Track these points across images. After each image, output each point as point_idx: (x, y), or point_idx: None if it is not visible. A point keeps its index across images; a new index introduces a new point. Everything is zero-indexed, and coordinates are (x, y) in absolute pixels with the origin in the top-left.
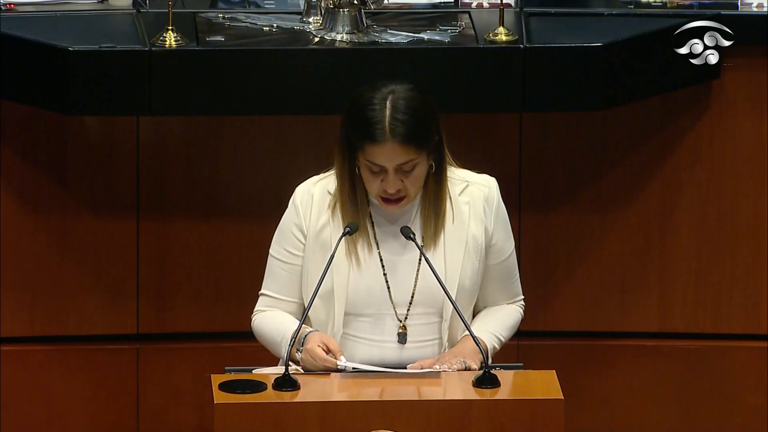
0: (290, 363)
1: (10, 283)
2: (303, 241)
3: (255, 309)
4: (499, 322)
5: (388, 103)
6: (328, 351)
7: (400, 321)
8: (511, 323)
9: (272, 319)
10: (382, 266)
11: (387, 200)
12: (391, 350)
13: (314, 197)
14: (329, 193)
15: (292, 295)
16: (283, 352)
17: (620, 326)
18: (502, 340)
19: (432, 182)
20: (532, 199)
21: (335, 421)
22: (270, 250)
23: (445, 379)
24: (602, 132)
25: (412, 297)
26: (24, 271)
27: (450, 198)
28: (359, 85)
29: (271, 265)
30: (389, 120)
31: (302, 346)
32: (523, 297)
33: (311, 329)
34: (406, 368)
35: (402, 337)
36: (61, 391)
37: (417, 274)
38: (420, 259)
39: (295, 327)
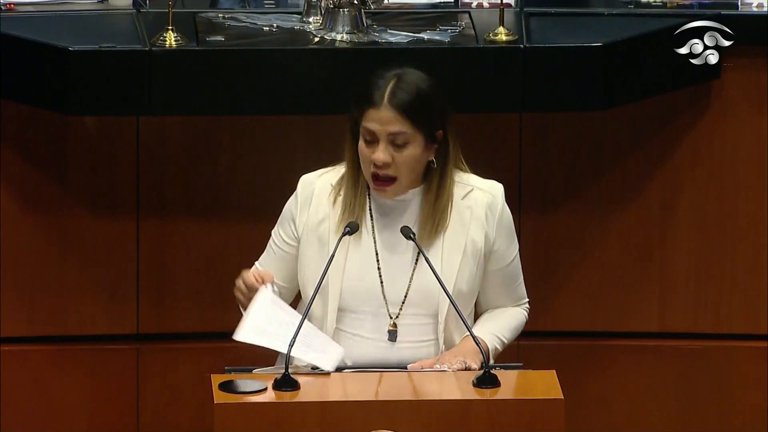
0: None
1: (10, 283)
2: (296, 233)
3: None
4: (501, 323)
5: (395, 76)
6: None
7: (391, 318)
8: (514, 325)
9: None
10: (377, 261)
11: (376, 178)
12: (383, 348)
13: (316, 190)
14: (332, 185)
15: (276, 275)
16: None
17: (620, 326)
18: (505, 341)
19: (435, 181)
20: (532, 199)
21: (335, 421)
22: (273, 229)
23: (445, 379)
24: (602, 132)
25: (405, 296)
26: (24, 271)
27: (452, 201)
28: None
29: (269, 242)
30: (391, 87)
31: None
32: (527, 300)
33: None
34: (406, 368)
35: (392, 335)
36: (61, 391)
37: (412, 274)
38: (417, 260)
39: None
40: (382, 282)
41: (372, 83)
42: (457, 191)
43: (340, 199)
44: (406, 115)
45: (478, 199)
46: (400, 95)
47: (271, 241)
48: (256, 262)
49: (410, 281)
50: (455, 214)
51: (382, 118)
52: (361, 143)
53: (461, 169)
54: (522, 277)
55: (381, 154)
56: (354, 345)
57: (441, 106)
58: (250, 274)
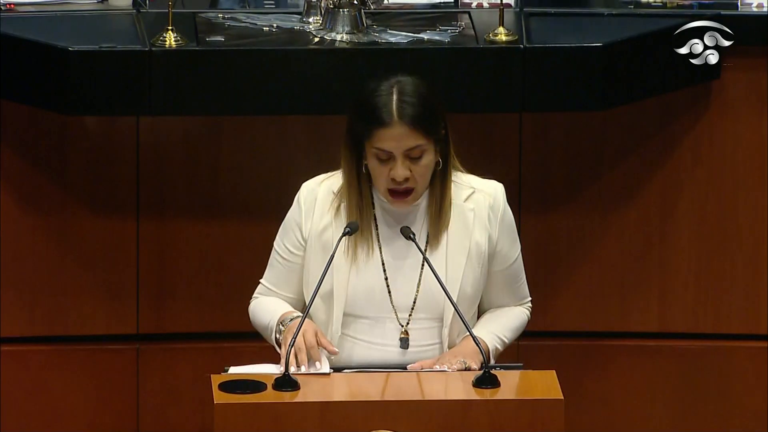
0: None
1: (10, 283)
2: (302, 241)
3: (253, 295)
4: (503, 323)
5: (394, 89)
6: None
7: (402, 326)
8: (515, 325)
9: (267, 304)
10: (384, 269)
11: (394, 193)
12: (392, 354)
13: (318, 197)
14: (333, 193)
15: (286, 289)
16: (271, 336)
17: (620, 326)
18: (506, 341)
19: (438, 181)
20: (532, 199)
21: (335, 421)
22: (274, 242)
23: (445, 379)
24: (602, 132)
25: (414, 302)
26: (24, 271)
27: (454, 202)
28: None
29: (272, 257)
30: (396, 103)
31: (283, 326)
32: (530, 299)
33: (298, 315)
34: (406, 368)
35: (404, 342)
36: (61, 391)
37: (419, 279)
38: (422, 264)
39: (285, 311)
40: (389, 289)
41: (373, 102)
42: (459, 193)
43: (343, 206)
44: (419, 127)
45: (480, 201)
46: (408, 109)
47: (274, 255)
48: (262, 281)
49: (418, 286)
50: (458, 216)
51: (396, 136)
52: (373, 162)
53: (454, 166)
54: (524, 276)
55: (400, 170)
56: (360, 350)
57: (441, 106)
58: (322, 339)
